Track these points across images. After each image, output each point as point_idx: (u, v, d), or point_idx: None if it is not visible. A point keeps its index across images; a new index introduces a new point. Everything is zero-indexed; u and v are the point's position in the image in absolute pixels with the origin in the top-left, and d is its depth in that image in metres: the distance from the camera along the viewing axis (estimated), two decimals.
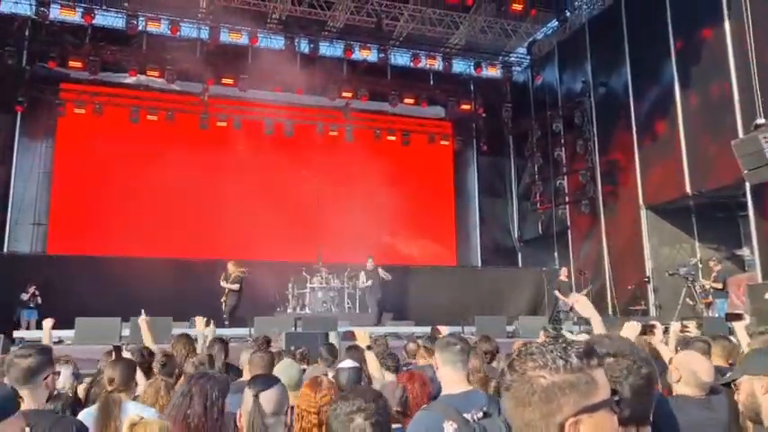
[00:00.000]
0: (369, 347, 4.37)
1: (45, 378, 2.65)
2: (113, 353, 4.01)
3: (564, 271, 13.58)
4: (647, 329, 3.61)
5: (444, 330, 4.96)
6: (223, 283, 11.13)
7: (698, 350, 3.93)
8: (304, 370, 4.34)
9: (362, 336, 4.43)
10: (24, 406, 2.49)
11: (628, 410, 1.50)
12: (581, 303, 3.14)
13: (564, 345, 1.26)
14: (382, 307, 12.84)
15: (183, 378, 3.50)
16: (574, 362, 1.19)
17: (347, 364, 3.26)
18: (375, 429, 1.88)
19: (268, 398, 2.36)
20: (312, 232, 17.62)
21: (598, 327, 3.02)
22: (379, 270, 12.86)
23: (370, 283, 12.78)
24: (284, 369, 3.06)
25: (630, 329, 3.10)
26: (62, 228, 15.39)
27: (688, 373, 2.69)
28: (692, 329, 4.96)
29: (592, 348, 1.36)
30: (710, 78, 12.02)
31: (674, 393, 2.73)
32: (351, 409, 1.92)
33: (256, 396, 2.34)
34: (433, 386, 3.64)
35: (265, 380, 2.46)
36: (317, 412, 2.62)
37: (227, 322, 10.48)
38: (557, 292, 13.02)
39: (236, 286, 11.12)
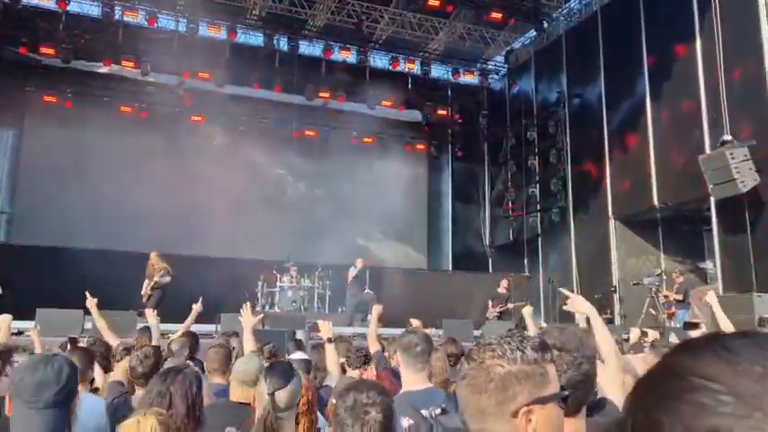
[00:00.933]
0: (330, 340, 4.32)
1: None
2: (68, 344, 3.94)
3: (504, 282, 13.42)
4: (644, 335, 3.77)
5: (416, 323, 4.97)
6: (160, 278, 10.56)
7: (661, 354, 4.01)
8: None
9: (325, 327, 4.41)
10: None
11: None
12: (577, 301, 2.83)
13: (521, 338, 1.33)
14: (357, 310, 12.80)
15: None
16: (529, 354, 1.26)
17: (297, 356, 3.27)
18: (387, 423, 1.89)
19: (282, 396, 2.37)
20: (284, 231, 17.56)
21: (598, 326, 2.66)
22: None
23: (355, 274, 12.69)
24: (244, 362, 3.04)
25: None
26: (26, 217, 15.06)
27: (631, 374, 2.77)
28: (651, 337, 5.08)
29: (545, 343, 1.45)
30: (681, 94, 12.30)
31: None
32: (366, 402, 1.91)
33: (272, 395, 2.36)
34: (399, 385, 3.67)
35: (282, 378, 2.46)
36: (296, 413, 2.60)
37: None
38: (489, 302, 13.06)
39: (166, 279, 10.57)
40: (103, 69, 15.60)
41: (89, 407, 3.19)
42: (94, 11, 15.28)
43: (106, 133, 15.92)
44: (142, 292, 10.44)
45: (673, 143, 12.45)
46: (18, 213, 15.13)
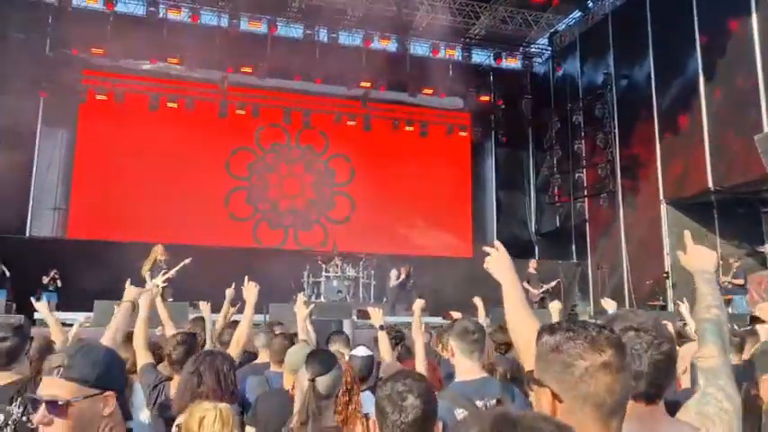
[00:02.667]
0: (381, 327, 4.30)
1: (27, 353, 2.82)
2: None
3: (533, 263, 13.47)
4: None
5: (456, 315, 4.92)
6: (172, 272, 9.74)
7: (733, 345, 3.85)
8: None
9: (376, 314, 4.40)
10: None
11: (643, 385, 1.53)
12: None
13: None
14: (399, 300, 12.91)
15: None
16: None
17: (360, 351, 3.27)
18: (426, 408, 1.91)
19: (324, 382, 2.40)
20: (327, 221, 17.72)
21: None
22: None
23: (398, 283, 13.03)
24: (294, 352, 3.08)
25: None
26: (82, 212, 15.61)
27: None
28: None
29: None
30: (736, 71, 11.79)
31: (680, 387, 2.64)
32: (403, 389, 1.93)
33: (312, 380, 2.39)
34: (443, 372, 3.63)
35: (322, 365, 2.49)
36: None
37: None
38: (526, 284, 12.99)
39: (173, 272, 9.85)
40: (149, 66, 15.95)
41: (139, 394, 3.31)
42: (140, 10, 15.64)
43: (154, 129, 16.32)
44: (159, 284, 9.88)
45: (728, 123, 11.96)
46: (74, 209, 15.67)
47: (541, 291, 12.80)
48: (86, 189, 15.62)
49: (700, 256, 2.06)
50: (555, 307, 4.86)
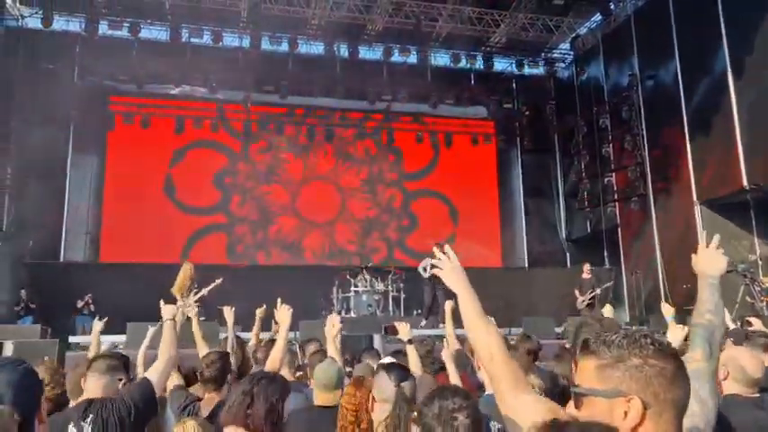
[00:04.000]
0: (410, 341, 4.24)
1: (120, 379, 2.96)
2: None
3: (587, 267, 13.16)
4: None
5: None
6: (204, 291, 8.47)
7: (759, 345, 3.69)
8: (350, 372, 4.30)
9: (404, 329, 4.34)
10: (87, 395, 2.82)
11: None
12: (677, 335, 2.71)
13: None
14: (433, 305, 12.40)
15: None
16: None
17: (387, 361, 3.20)
18: (475, 427, 1.90)
19: (409, 387, 2.47)
20: (355, 236, 17.71)
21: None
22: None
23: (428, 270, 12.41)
24: (323, 368, 3.04)
25: (677, 332, 2.92)
26: (113, 236, 15.86)
27: (735, 369, 2.51)
28: (756, 326, 4.69)
29: None
30: (765, 68, 11.47)
31: (722, 392, 2.54)
32: (453, 407, 1.90)
33: (399, 386, 2.45)
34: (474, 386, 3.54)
35: (402, 372, 2.58)
36: (356, 410, 2.60)
37: None
38: (576, 291, 12.75)
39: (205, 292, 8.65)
40: (174, 90, 16.24)
41: (168, 421, 3.30)
42: (163, 35, 15.94)
43: (181, 151, 16.58)
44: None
45: (760, 120, 11.62)
46: (105, 233, 15.95)
47: (589, 296, 12.55)
48: (117, 213, 15.90)
49: (709, 260, 2.09)
50: (608, 309, 4.76)
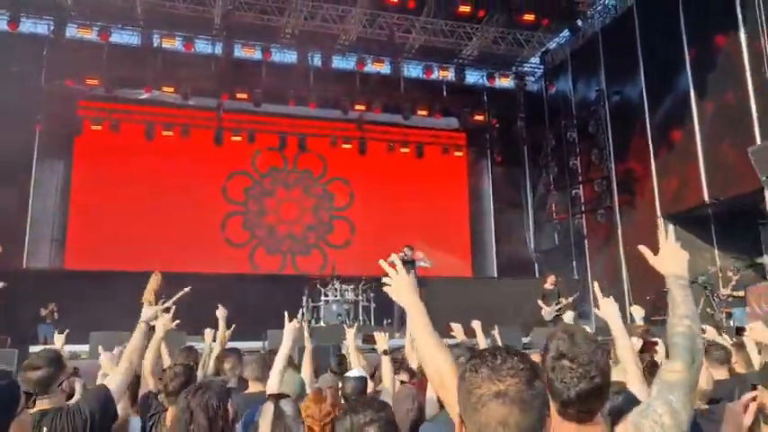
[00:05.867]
0: (385, 352, 4.19)
1: (59, 385, 2.73)
2: None
3: (551, 278, 13.23)
4: (647, 347, 3.18)
5: (457, 327, 4.77)
6: (171, 302, 9.03)
7: (714, 359, 3.83)
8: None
9: (382, 339, 4.33)
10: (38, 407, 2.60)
11: (573, 411, 1.58)
12: (608, 308, 2.57)
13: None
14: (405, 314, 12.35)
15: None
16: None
17: (354, 373, 3.23)
18: None
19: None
20: (325, 244, 17.68)
21: (620, 336, 2.48)
22: (417, 262, 12.51)
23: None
24: (287, 380, 3.04)
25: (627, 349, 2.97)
26: (80, 243, 15.56)
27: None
28: (710, 335, 4.84)
29: (587, 370, 1.59)
30: (726, 85, 11.87)
31: None
32: (364, 421, 1.91)
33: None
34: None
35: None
36: (321, 429, 2.59)
37: None
38: (540, 301, 12.77)
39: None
40: (145, 96, 16.06)
41: (135, 429, 3.25)
42: (134, 40, 15.77)
43: (151, 158, 16.37)
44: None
45: (721, 136, 12.01)
46: (71, 240, 15.64)
47: (556, 308, 12.59)
48: (83, 220, 15.61)
49: (673, 258, 1.96)
50: (568, 316, 4.79)
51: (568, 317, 4.72)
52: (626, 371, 2.33)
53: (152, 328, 3.53)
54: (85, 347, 8.32)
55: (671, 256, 1.96)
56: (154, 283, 10.39)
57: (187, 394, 2.32)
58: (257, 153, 17.55)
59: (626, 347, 2.26)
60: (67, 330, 5.30)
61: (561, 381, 1.57)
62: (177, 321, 4.43)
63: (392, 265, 2.01)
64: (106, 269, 14.29)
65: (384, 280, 2.00)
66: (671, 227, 2.08)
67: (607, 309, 2.49)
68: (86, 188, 15.85)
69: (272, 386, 2.95)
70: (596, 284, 2.73)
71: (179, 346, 6.98)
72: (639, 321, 4.77)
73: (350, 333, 5.12)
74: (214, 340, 5.46)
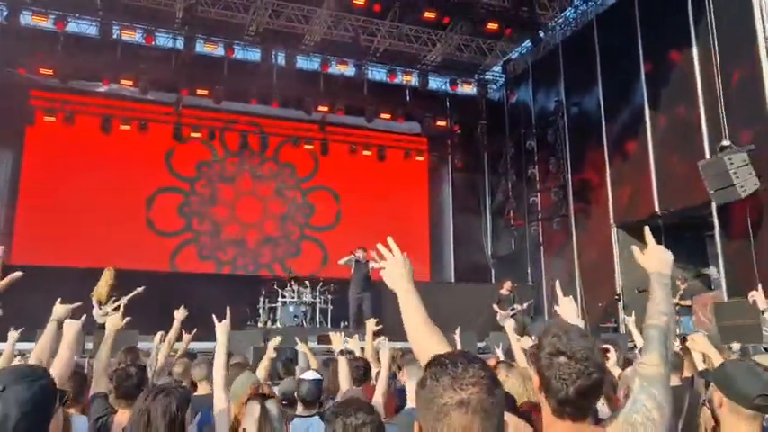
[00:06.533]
0: (341, 352, 4.20)
1: None
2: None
3: (507, 284, 13.38)
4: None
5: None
6: (124, 300, 8.51)
7: (672, 366, 3.96)
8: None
9: (337, 339, 4.32)
10: None
11: (569, 409, 1.56)
12: (567, 309, 2.61)
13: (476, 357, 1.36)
14: (360, 309, 12.13)
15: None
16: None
17: (308, 375, 3.22)
18: None
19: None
20: (283, 245, 17.54)
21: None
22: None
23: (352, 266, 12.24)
24: (243, 382, 3.01)
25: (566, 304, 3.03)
26: (27, 237, 15.02)
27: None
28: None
29: (585, 366, 1.57)
30: (679, 100, 12.30)
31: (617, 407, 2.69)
32: (357, 423, 1.93)
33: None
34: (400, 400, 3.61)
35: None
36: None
37: None
38: (495, 306, 12.93)
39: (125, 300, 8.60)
40: (102, 88, 15.65)
41: (79, 429, 3.14)
42: (92, 30, 15.36)
43: (106, 151, 15.96)
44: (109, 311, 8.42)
45: (672, 149, 12.43)
46: (18, 234, 15.08)
47: (511, 314, 12.72)
48: (32, 213, 15.08)
49: (658, 257, 2.00)
50: (509, 325, 4.76)
51: (509, 325, 4.71)
52: None
53: (102, 327, 3.43)
54: (32, 345, 8.03)
55: (657, 255, 2.01)
56: (107, 278, 10.16)
57: (146, 397, 2.28)
58: (216, 149, 17.26)
59: None
60: (23, 328, 5.12)
61: (559, 378, 1.55)
62: (128, 319, 4.31)
63: (387, 246, 1.91)
64: (55, 265, 13.86)
65: (381, 263, 1.91)
66: (646, 228, 2.21)
67: (566, 308, 2.53)
68: (37, 180, 15.33)
69: (219, 382, 2.92)
70: (557, 284, 2.77)
71: (130, 344, 6.83)
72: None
73: (301, 346, 5.12)
74: (162, 341, 5.35)
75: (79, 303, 3.54)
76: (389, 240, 1.95)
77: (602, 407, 2.62)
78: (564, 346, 1.59)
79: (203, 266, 16.47)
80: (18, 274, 3.83)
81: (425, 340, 1.75)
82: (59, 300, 3.32)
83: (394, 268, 1.90)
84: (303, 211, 18.03)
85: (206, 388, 4.04)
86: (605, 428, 1.60)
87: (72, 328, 3.07)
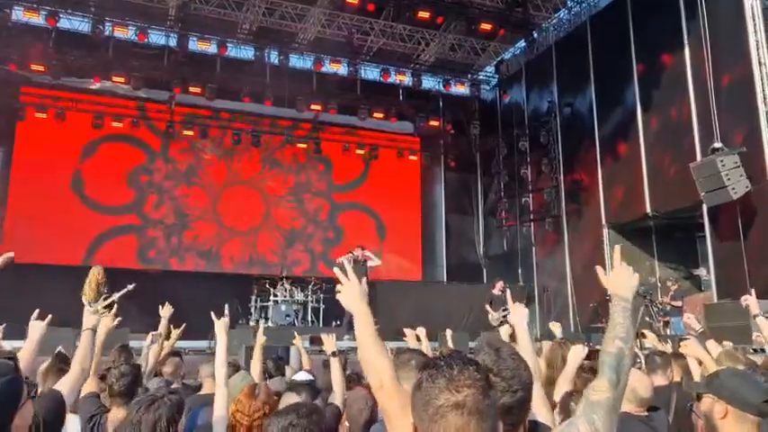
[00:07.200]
0: (334, 354, 4.10)
1: None
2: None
3: (500, 284, 13.36)
4: (591, 356, 3.23)
5: (410, 332, 4.78)
6: (115, 297, 8.58)
7: (655, 366, 3.99)
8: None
9: (329, 341, 4.27)
10: None
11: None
12: (518, 313, 2.65)
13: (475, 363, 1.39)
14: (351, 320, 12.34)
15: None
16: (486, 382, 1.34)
17: (300, 376, 3.20)
18: None
19: None
20: (276, 244, 17.49)
21: (525, 343, 2.59)
22: (369, 263, 12.53)
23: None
24: (238, 382, 3.00)
25: (576, 354, 3.07)
26: (17, 235, 14.90)
27: (627, 390, 2.70)
28: (651, 341, 5.03)
29: (510, 384, 1.65)
30: (671, 102, 12.36)
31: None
32: (283, 425, 1.94)
33: None
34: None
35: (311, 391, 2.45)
36: (250, 425, 2.57)
37: None
38: (487, 306, 12.89)
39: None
40: (94, 85, 15.55)
41: (72, 429, 3.13)
42: (84, 27, 15.24)
43: (97, 149, 15.87)
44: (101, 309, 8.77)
45: (664, 151, 12.49)
46: (8, 231, 14.96)
47: (502, 315, 12.64)
48: (23, 210, 14.96)
49: (621, 280, 2.00)
50: (505, 331, 4.76)
51: (504, 331, 4.72)
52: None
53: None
54: (21, 343, 7.96)
55: (621, 278, 2.00)
56: (95, 276, 10.07)
57: (139, 407, 2.26)
58: (208, 148, 17.18)
59: (527, 350, 2.37)
60: (4, 324, 5.07)
61: None
62: (119, 320, 4.29)
63: (341, 267, 2.04)
64: (46, 262, 13.77)
65: (337, 288, 2.04)
66: (617, 247, 2.18)
67: (517, 314, 2.61)
68: (27, 176, 15.21)
69: (220, 380, 2.91)
70: (509, 292, 2.87)
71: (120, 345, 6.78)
72: (559, 335, 4.96)
73: (298, 340, 5.09)
74: (153, 342, 5.31)
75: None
76: (345, 263, 2.12)
77: None
78: (492, 363, 1.66)
79: (192, 264, 16.40)
80: (11, 254, 3.80)
81: (372, 354, 1.87)
82: (87, 306, 3.37)
83: (348, 291, 2.03)
84: (295, 211, 17.97)
85: (211, 386, 4.02)
86: None
87: (37, 329, 3.10)
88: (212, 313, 3.60)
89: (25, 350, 3.02)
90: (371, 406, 2.90)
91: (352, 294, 2.02)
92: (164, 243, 16.31)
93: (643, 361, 4.39)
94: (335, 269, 2.06)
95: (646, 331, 5.51)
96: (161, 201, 16.51)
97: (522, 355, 1.99)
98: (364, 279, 11.27)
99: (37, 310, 3.30)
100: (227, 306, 3.29)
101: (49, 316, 3.30)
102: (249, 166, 17.57)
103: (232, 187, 17.38)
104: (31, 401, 1.80)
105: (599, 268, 2.13)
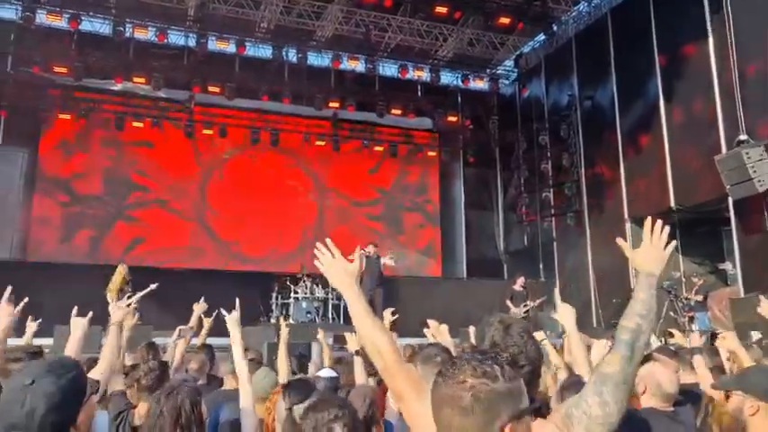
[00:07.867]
0: (357, 352, 4.15)
1: None
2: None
3: (521, 280, 13.30)
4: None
5: (433, 324, 4.77)
6: (137, 297, 8.68)
7: (687, 362, 3.92)
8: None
9: (353, 339, 4.32)
10: None
11: None
12: (565, 313, 2.85)
13: (494, 354, 1.43)
14: (372, 305, 12.34)
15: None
16: (508, 370, 1.34)
17: (325, 373, 3.21)
18: None
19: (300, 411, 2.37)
20: (296, 242, 17.56)
21: (576, 343, 2.85)
22: (383, 260, 12.58)
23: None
24: (261, 379, 3.01)
25: (600, 348, 3.05)
26: (44, 234, 15.18)
27: (652, 384, 2.66)
28: (678, 339, 4.96)
29: (516, 359, 1.65)
30: (694, 94, 12.15)
31: (639, 406, 2.67)
32: (329, 418, 1.92)
33: (290, 409, 2.38)
34: None
35: (300, 394, 2.46)
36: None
37: None
38: (508, 302, 12.86)
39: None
40: (115, 86, 15.74)
41: (101, 425, 3.18)
42: (105, 29, 15.43)
43: (120, 149, 16.09)
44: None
45: (688, 144, 12.29)
46: (34, 230, 15.24)
47: (524, 310, 12.65)
48: (48, 210, 15.23)
49: (653, 255, 1.91)
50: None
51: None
52: (577, 363, 2.73)
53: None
54: (50, 341, 8.11)
55: (653, 253, 1.92)
56: (118, 275, 10.24)
57: (159, 397, 2.31)
58: (228, 147, 17.31)
59: (577, 345, 2.51)
60: (40, 320, 5.17)
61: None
62: (138, 317, 4.38)
63: (326, 245, 2.01)
64: (70, 261, 14.00)
65: (318, 260, 2.00)
66: (648, 219, 2.06)
67: (563, 313, 2.74)
68: (52, 178, 15.47)
69: (243, 378, 2.93)
70: (556, 291, 2.92)
71: (144, 341, 6.88)
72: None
73: (322, 334, 5.12)
74: (180, 336, 5.39)
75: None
76: (328, 242, 2.03)
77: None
78: (500, 338, 1.71)
79: (213, 262, 16.55)
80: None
81: (370, 330, 1.85)
82: (112, 302, 3.44)
83: (330, 267, 1.98)
84: (316, 209, 18.04)
85: (232, 382, 4.05)
86: (546, 418, 1.65)
87: (79, 326, 3.14)
88: (221, 309, 3.63)
89: (70, 348, 3.08)
90: (369, 403, 2.89)
91: (335, 271, 1.98)
92: (188, 240, 16.49)
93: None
94: (318, 244, 2.03)
95: (673, 330, 5.42)
96: (184, 199, 16.69)
97: (574, 355, 2.02)
98: (369, 263, 11.32)
99: (75, 308, 3.34)
100: (237, 300, 3.30)
101: (90, 313, 3.34)
102: (268, 163, 17.66)
103: (251, 185, 17.48)
104: (93, 398, 1.85)
105: (620, 240, 2.04)
